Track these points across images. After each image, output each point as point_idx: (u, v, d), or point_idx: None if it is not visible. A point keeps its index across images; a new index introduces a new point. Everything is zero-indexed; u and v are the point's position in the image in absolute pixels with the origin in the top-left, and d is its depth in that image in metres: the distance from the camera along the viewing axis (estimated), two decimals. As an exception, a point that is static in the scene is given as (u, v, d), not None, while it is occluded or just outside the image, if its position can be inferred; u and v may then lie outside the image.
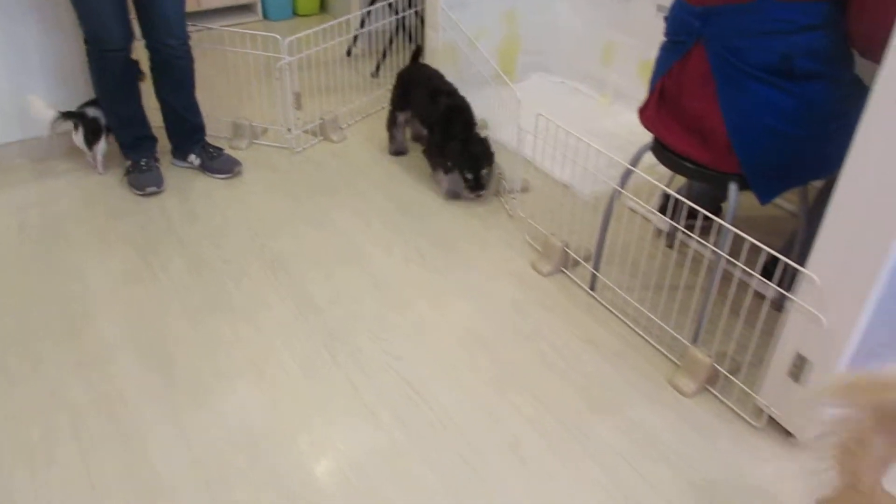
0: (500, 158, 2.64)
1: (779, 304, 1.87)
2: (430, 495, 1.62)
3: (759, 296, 1.82)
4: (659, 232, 2.44)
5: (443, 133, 2.57)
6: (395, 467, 1.68)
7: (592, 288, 2.22)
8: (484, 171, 2.53)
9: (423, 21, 3.23)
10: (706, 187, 2.25)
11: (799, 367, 1.66)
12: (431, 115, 2.64)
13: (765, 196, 1.77)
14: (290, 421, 1.79)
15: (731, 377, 1.85)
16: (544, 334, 2.07)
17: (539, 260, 2.33)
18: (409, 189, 2.73)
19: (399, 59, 3.49)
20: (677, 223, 1.89)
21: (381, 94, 3.34)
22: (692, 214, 1.87)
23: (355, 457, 1.70)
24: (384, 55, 3.48)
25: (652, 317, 2.06)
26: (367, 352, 2.00)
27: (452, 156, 2.53)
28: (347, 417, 1.80)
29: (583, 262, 2.27)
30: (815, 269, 1.56)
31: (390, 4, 3.35)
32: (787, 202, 2.52)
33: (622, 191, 2.05)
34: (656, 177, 2.52)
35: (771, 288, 1.69)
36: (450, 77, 2.76)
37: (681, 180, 2.35)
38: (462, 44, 3.12)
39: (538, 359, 1.98)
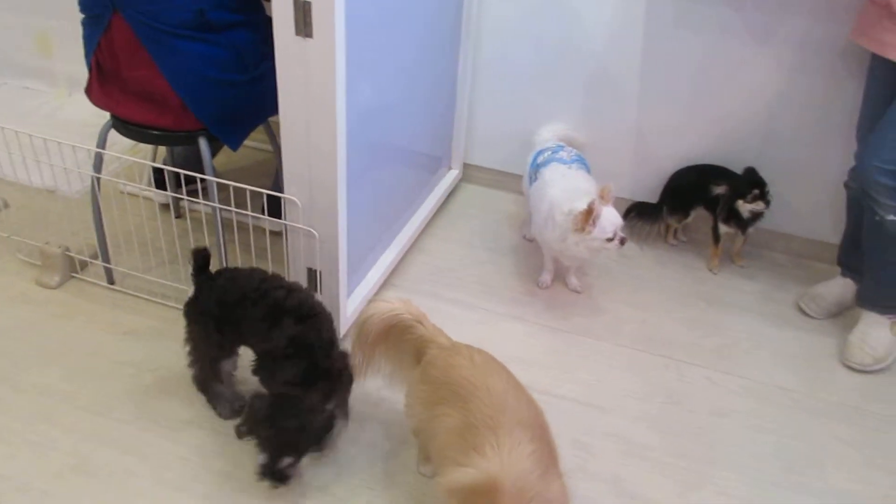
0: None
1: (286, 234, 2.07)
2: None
3: (273, 232, 1.98)
4: (165, 206, 2.44)
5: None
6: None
7: (112, 282, 2.14)
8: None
9: None
10: (189, 148, 2.31)
11: (313, 279, 1.88)
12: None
13: (232, 142, 1.90)
14: None
15: (266, 311, 2.01)
16: (76, 346, 1.94)
17: (43, 274, 2.13)
18: None
19: None
20: (172, 192, 1.92)
21: None
22: (188, 180, 1.91)
23: None
24: None
25: (179, 287, 2.08)
26: None
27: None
28: None
29: (90, 260, 2.15)
30: (294, 193, 1.75)
31: None
32: (264, 143, 2.72)
33: (103, 177, 1.97)
34: (142, 154, 2.50)
35: (270, 221, 1.86)
36: None
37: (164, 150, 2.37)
38: None
39: (77, 373, 1.86)
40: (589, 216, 1.93)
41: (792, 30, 2.15)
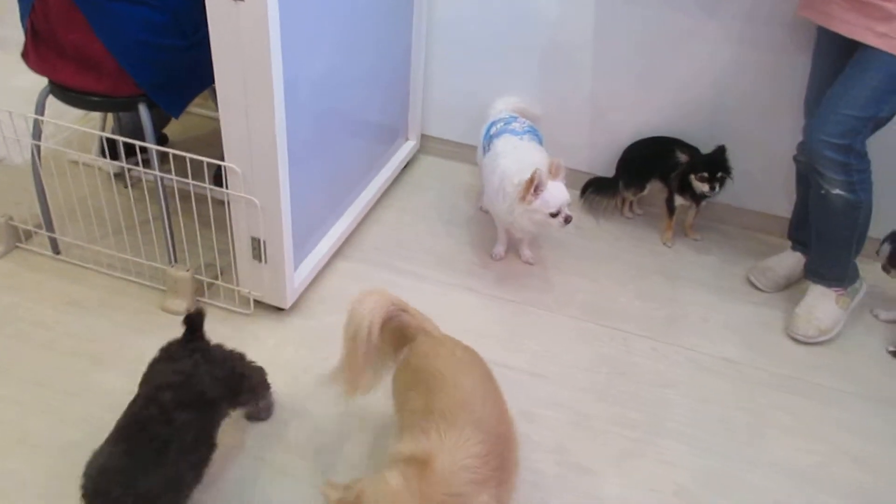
0: None
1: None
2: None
3: (217, 201, 1.94)
4: (115, 175, 2.39)
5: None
6: None
7: (57, 252, 2.10)
8: None
9: None
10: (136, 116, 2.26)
11: (257, 248, 1.86)
12: None
13: (174, 109, 1.86)
14: None
15: (213, 281, 1.98)
16: (19, 315, 1.91)
17: (-15, 244, 2.10)
18: None
19: None
20: (120, 161, 1.88)
21: None
22: (135, 149, 1.86)
23: None
24: None
25: (125, 257, 2.04)
26: None
27: None
28: None
29: (35, 230, 2.11)
30: (234, 161, 1.72)
31: None
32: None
33: (44, 145, 1.93)
34: (91, 122, 2.45)
35: (212, 189, 1.82)
36: None
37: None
38: None
39: (20, 342, 1.83)
40: (530, 186, 1.92)
41: (740, 2, 2.14)
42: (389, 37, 2.28)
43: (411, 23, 2.39)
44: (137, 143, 1.82)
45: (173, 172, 1.79)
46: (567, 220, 1.97)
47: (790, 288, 2.23)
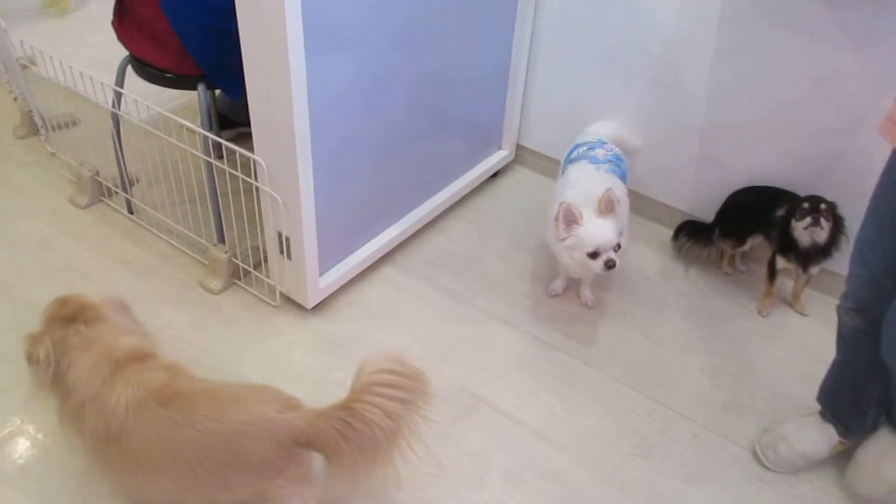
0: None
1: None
2: None
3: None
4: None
5: None
6: None
7: (131, 212, 2.22)
8: None
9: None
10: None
11: (283, 245, 1.82)
12: None
13: (233, 93, 1.87)
14: None
15: (247, 268, 1.98)
16: (75, 266, 2.04)
17: (76, 193, 2.26)
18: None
19: None
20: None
21: None
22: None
23: None
24: None
25: (180, 228, 2.11)
26: None
27: None
28: None
29: (114, 188, 2.24)
30: (262, 154, 1.69)
31: None
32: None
33: (122, 114, 2.03)
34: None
35: (248, 180, 1.81)
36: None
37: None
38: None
39: (62, 289, 1.93)
40: (560, 220, 1.71)
41: (902, 39, 1.73)
42: (482, 40, 2.13)
43: (513, 27, 2.22)
44: (185, 123, 1.84)
45: (212, 155, 1.80)
46: (608, 264, 1.73)
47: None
